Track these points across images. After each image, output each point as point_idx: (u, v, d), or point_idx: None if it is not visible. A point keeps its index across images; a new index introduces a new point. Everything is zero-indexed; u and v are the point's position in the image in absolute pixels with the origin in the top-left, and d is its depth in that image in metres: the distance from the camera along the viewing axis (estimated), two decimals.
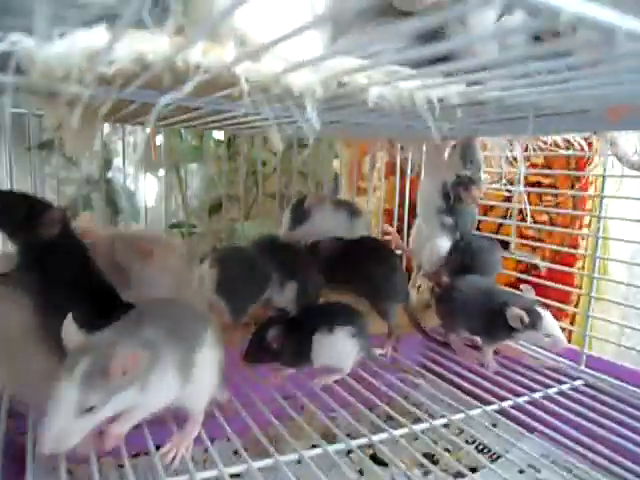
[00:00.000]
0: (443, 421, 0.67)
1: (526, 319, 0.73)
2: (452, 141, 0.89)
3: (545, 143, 0.82)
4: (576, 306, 1.06)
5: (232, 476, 0.56)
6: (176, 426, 0.60)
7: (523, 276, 1.01)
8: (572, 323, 1.04)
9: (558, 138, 0.80)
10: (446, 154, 0.91)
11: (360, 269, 0.86)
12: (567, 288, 0.88)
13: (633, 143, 0.67)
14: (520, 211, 1.05)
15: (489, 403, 0.72)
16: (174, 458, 0.56)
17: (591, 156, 0.76)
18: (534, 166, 1.08)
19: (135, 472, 0.53)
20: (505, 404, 0.72)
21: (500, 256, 0.95)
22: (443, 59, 0.36)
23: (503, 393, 0.74)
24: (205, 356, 0.57)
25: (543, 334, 0.74)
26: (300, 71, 0.36)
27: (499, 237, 1.09)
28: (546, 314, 0.75)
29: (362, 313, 0.79)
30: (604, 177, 0.80)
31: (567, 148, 0.87)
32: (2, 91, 0.33)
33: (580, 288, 1.04)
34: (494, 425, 0.72)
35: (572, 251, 0.97)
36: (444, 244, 0.90)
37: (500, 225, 1.14)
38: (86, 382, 0.45)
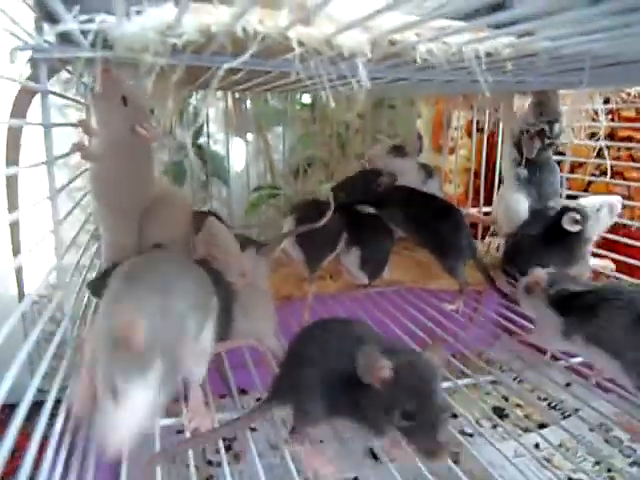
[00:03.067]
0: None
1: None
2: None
3: (629, 95, 0.78)
4: None
5: None
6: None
7: (611, 236, 0.97)
8: None
9: None
10: (525, 105, 0.89)
11: (425, 225, 0.88)
12: None
13: None
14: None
15: (558, 359, 0.72)
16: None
17: None
18: (628, 120, 1.02)
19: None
20: (574, 361, 0.71)
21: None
22: (493, 10, 0.37)
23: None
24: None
25: None
26: (350, 32, 0.39)
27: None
28: None
29: None
30: None
31: None
32: (94, 64, 0.39)
33: None
34: (568, 385, 0.72)
35: None
36: (521, 202, 0.88)
37: (589, 183, 1.10)
38: None
